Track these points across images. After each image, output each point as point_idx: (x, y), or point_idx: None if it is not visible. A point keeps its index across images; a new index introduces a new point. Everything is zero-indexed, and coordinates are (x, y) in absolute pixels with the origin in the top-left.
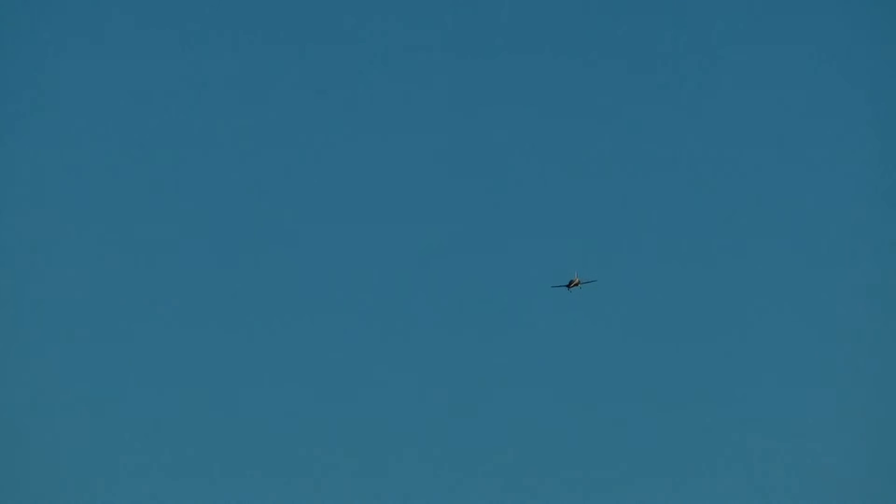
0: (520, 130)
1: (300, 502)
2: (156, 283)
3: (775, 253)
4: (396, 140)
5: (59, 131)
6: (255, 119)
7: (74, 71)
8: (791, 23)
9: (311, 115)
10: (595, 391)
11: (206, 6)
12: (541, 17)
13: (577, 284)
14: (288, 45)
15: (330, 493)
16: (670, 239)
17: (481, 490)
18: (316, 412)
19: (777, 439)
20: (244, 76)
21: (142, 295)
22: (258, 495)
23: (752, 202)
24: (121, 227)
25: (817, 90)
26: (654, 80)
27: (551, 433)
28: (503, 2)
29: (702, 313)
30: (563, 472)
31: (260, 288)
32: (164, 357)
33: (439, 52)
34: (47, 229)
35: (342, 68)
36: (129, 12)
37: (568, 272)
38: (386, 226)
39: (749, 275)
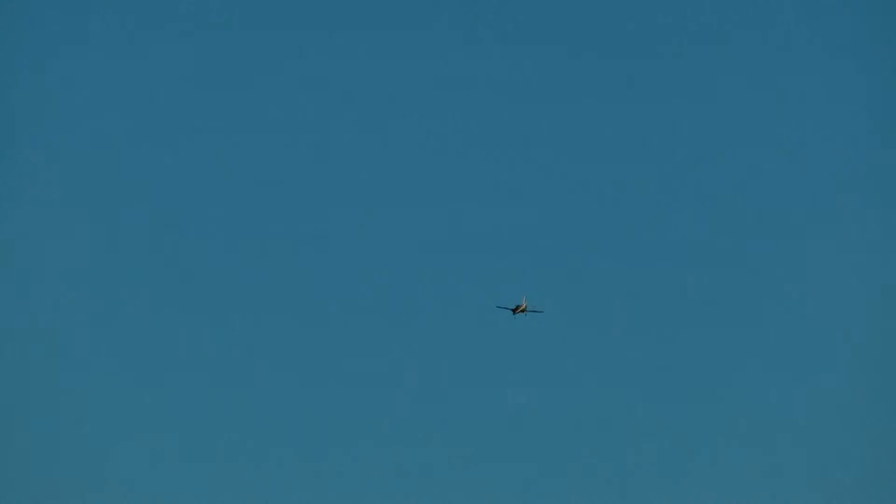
0: (515, 127)
1: (296, 499)
2: (156, 281)
3: (778, 252)
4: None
5: (56, 131)
6: (253, 117)
7: (72, 71)
8: (792, 16)
9: (306, 112)
10: (589, 389)
11: (204, 5)
12: (536, 9)
13: (523, 310)
14: (285, 39)
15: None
16: (668, 237)
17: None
18: (292, 409)
19: (773, 441)
20: (242, 75)
21: (141, 293)
22: (259, 493)
23: (751, 200)
24: (120, 224)
25: (818, 87)
26: (651, 77)
27: (543, 432)
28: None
29: (701, 312)
30: (553, 471)
31: (257, 284)
32: (164, 356)
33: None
34: (47, 228)
35: (340, 64)
36: (127, 11)
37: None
38: (379, 221)
39: (750, 274)
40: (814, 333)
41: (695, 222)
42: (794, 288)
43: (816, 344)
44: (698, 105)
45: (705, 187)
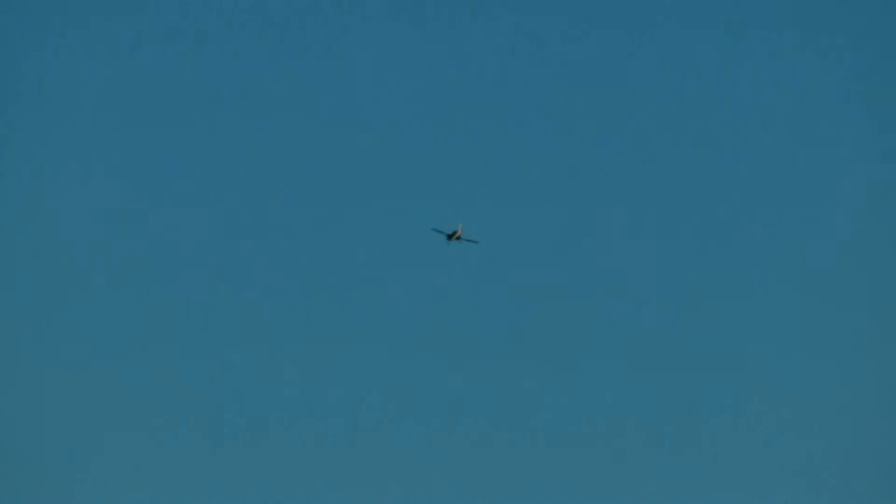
0: (513, 120)
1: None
2: (154, 283)
3: (776, 251)
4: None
5: (57, 132)
6: (253, 120)
7: (72, 71)
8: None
9: (307, 117)
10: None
11: (206, 6)
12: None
13: (458, 237)
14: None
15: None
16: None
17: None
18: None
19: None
20: (244, 78)
21: (139, 294)
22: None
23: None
24: (121, 227)
25: (820, 94)
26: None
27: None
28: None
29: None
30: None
31: (246, 278)
32: (162, 359)
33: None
34: (47, 227)
35: (341, 68)
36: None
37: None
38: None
39: (748, 275)
40: (813, 332)
41: (689, 218)
42: (793, 285)
43: (816, 344)
44: (696, 104)
45: (699, 178)
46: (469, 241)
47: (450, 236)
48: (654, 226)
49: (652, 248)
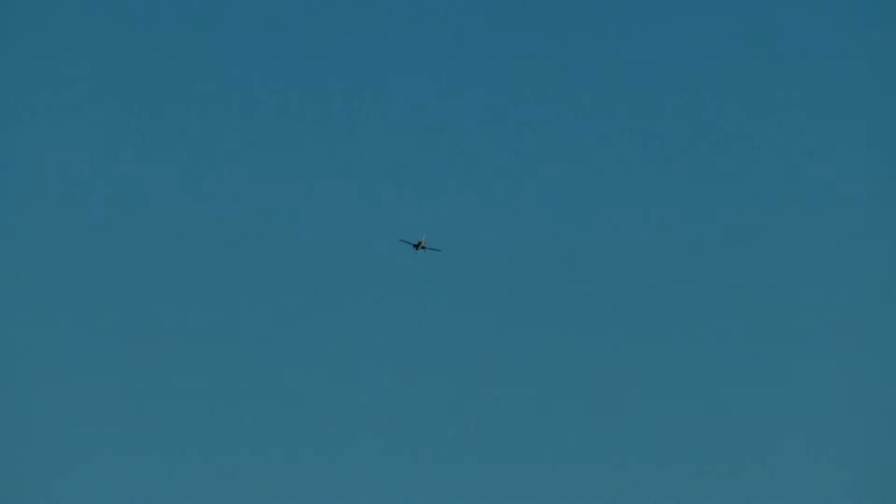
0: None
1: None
2: (153, 288)
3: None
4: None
5: (55, 132)
6: (253, 123)
7: (69, 73)
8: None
9: (307, 119)
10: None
11: (206, 9)
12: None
13: (422, 247)
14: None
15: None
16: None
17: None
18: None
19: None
20: (243, 80)
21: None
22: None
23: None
24: (119, 229)
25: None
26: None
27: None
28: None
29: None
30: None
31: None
32: (159, 362)
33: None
34: (45, 229)
35: (342, 73)
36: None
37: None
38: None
39: (748, 278)
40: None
41: (680, 228)
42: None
43: (815, 349)
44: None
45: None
46: (432, 249)
47: (415, 246)
48: (650, 227)
49: (648, 250)
